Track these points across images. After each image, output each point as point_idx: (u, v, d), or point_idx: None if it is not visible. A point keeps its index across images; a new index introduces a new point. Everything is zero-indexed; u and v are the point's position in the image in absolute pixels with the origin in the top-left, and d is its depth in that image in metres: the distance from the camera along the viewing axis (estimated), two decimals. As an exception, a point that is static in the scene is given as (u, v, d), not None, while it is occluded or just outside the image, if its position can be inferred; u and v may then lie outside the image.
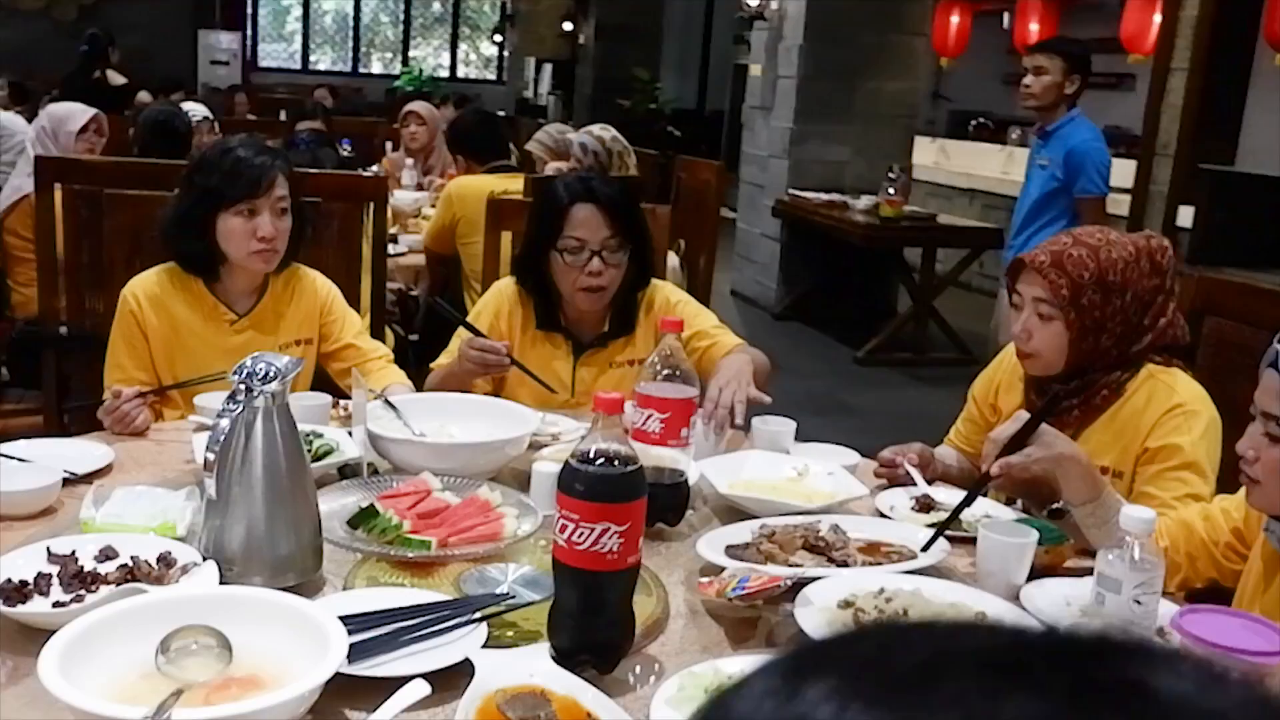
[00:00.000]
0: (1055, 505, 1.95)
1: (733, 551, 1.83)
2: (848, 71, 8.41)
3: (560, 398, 2.67)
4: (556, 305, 2.76)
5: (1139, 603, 1.60)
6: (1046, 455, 1.87)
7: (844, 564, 1.80)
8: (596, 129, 4.90)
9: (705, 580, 1.72)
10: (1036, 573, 1.84)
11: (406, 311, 4.82)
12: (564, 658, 1.50)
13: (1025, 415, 1.91)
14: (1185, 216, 7.14)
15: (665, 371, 2.08)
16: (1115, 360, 2.18)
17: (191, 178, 2.64)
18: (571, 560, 1.49)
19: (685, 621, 1.71)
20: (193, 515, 1.85)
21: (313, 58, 19.11)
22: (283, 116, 8.33)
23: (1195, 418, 2.13)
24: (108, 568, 1.67)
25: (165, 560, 1.68)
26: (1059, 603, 1.76)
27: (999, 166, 10.76)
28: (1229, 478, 2.00)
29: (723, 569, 1.75)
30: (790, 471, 2.20)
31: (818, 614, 1.64)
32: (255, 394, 1.66)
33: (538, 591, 1.70)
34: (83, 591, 1.61)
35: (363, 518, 1.85)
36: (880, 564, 1.81)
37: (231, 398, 1.67)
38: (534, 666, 1.47)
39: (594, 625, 1.53)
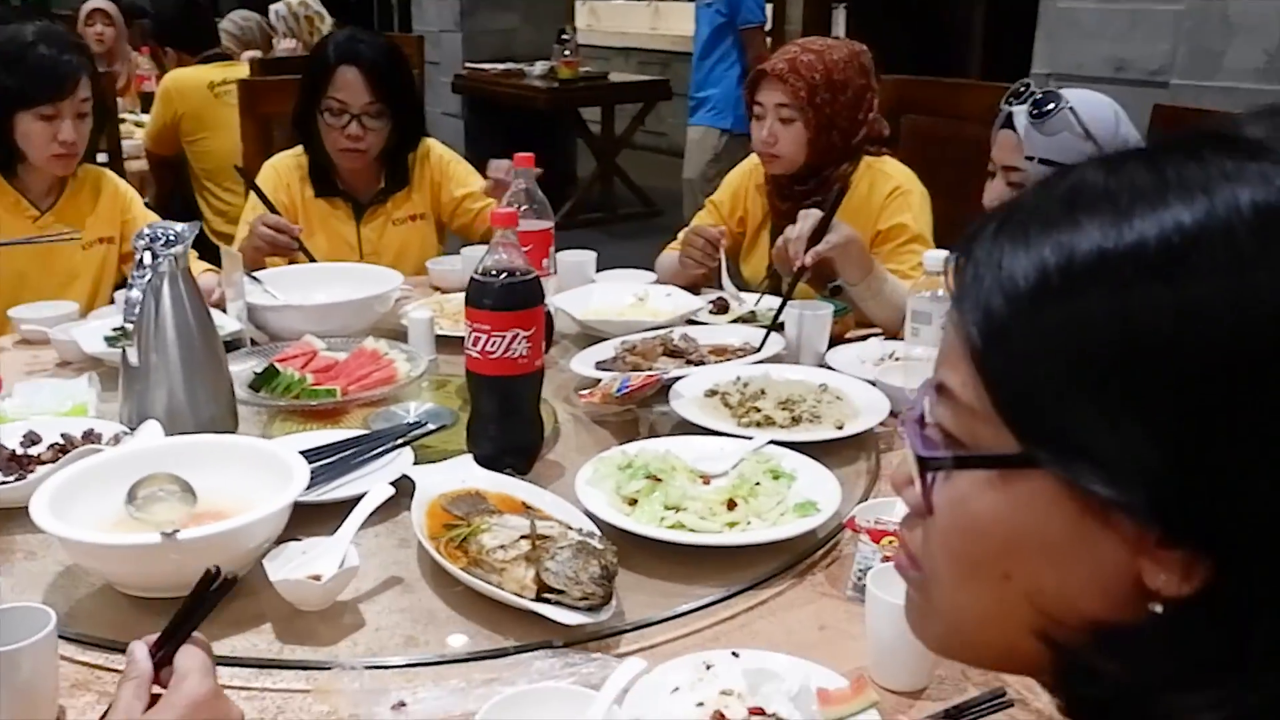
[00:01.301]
0: (834, 284, 2.32)
1: (602, 365, 2.09)
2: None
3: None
4: (330, 167, 2.89)
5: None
6: (841, 241, 2.20)
7: (701, 363, 2.08)
8: None
9: (585, 392, 1.96)
10: (830, 341, 2.23)
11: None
12: (488, 463, 1.72)
13: (816, 213, 2.22)
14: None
15: (523, 208, 2.29)
16: (841, 154, 2.55)
17: None
18: (488, 369, 1.70)
19: (574, 428, 1.96)
20: (98, 397, 1.97)
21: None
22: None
23: (910, 195, 2.56)
24: (39, 449, 1.78)
25: (91, 436, 1.81)
26: (855, 362, 2.15)
27: (647, 23, 11.17)
28: (940, 238, 2.53)
29: (598, 380, 2.00)
30: (631, 297, 2.48)
31: (690, 404, 1.93)
32: (160, 260, 1.77)
33: (440, 420, 1.91)
34: (21, 472, 1.71)
35: (264, 379, 2.02)
36: (731, 360, 2.11)
37: (139, 265, 1.77)
38: (464, 474, 1.68)
39: (513, 428, 1.76)
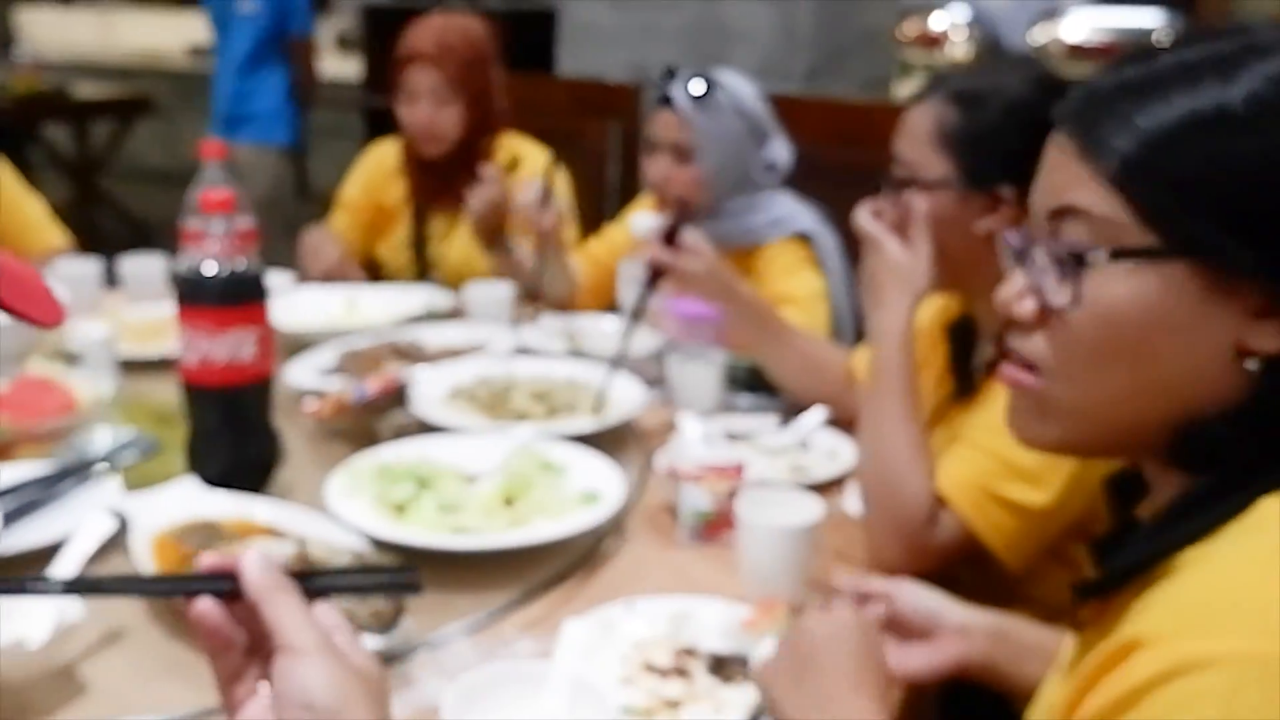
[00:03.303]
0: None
1: (328, 374, 1.90)
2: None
3: None
4: None
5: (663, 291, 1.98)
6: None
7: (437, 364, 1.94)
8: None
9: (313, 404, 1.77)
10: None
11: None
12: (219, 484, 1.51)
13: (535, 180, 2.33)
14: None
15: None
16: (487, 127, 2.65)
17: None
18: (209, 380, 1.50)
19: (305, 445, 1.76)
20: None
21: None
22: None
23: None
24: None
25: None
26: (542, 339, 2.13)
27: (98, 35, 9.96)
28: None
29: (324, 391, 1.81)
30: (339, 303, 2.32)
31: (435, 406, 1.79)
32: None
33: (143, 448, 1.67)
34: None
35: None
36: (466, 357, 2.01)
37: None
38: (190, 501, 1.47)
39: (246, 443, 1.55)
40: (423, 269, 2.71)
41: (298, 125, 5.04)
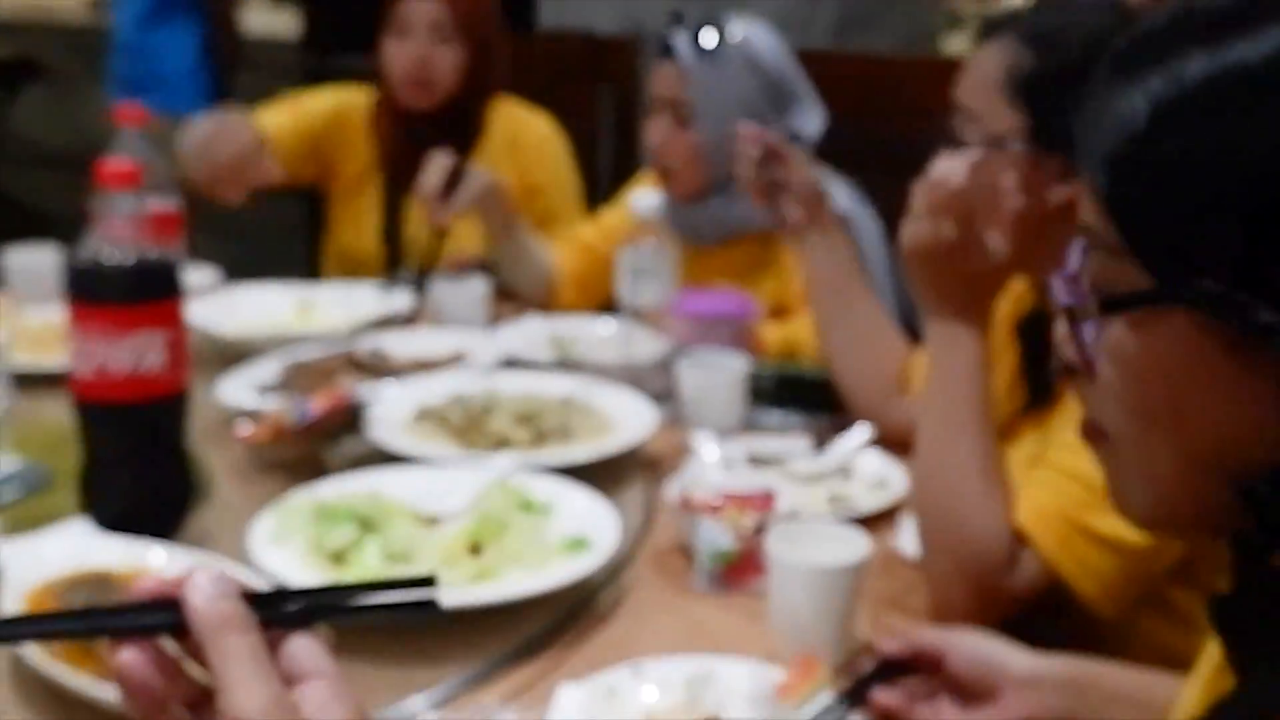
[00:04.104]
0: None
1: (268, 391, 1.64)
2: None
3: None
4: None
5: (669, 284, 1.79)
6: (480, 189, 2.02)
7: (402, 379, 1.70)
8: None
9: (246, 428, 1.52)
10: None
11: None
12: (119, 525, 1.27)
13: (445, 158, 2.02)
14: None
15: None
16: (488, 86, 2.37)
17: None
18: (108, 395, 1.26)
19: (234, 479, 1.51)
20: None
21: None
22: None
23: (558, 146, 2.48)
24: None
25: None
26: (528, 348, 1.91)
27: None
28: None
29: (261, 412, 1.56)
30: (291, 306, 2.05)
31: (396, 430, 1.54)
32: None
33: (30, 482, 1.44)
34: None
35: None
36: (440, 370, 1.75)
37: None
38: (78, 547, 1.24)
39: (152, 476, 1.31)
40: (394, 258, 2.35)
41: (216, 93, 4.20)
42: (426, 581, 0.64)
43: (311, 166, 2.37)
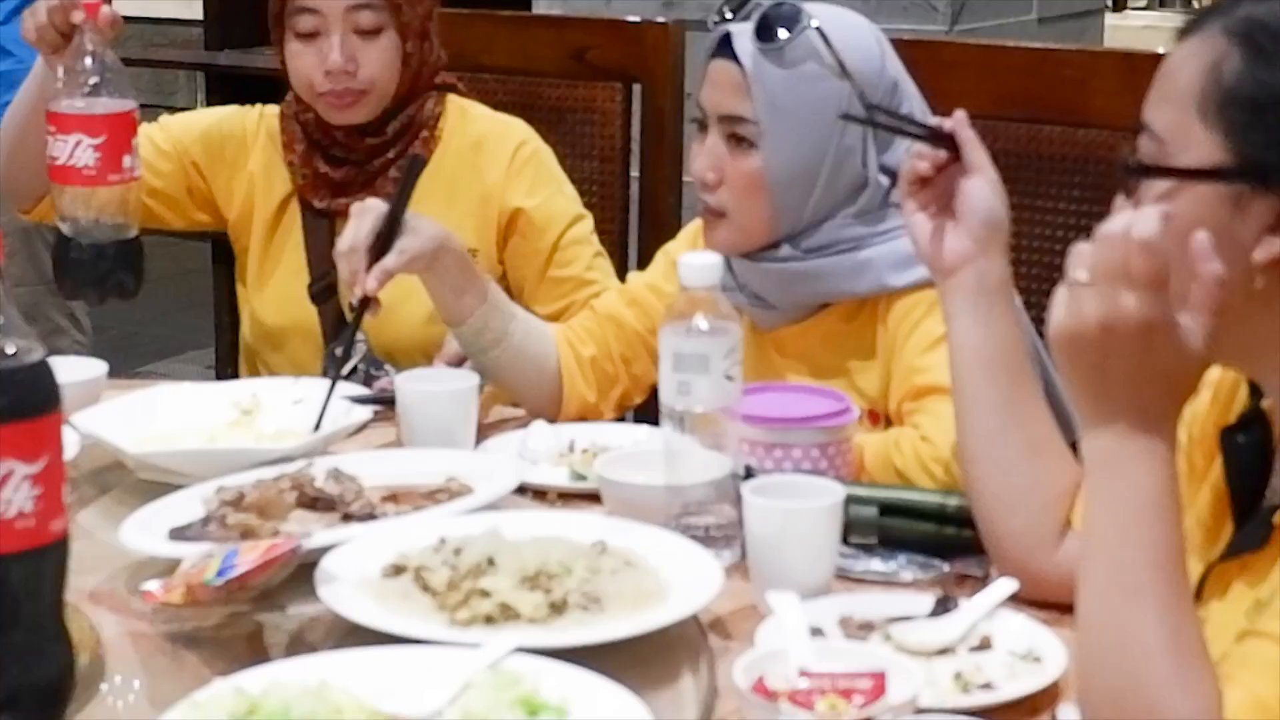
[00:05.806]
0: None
1: (183, 534, 1.37)
2: None
3: None
4: None
5: (730, 378, 1.41)
6: (423, 248, 1.62)
7: (369, 518, 1.41)
8: None
9: (152, 586, 1.26)
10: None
11: None
12: None
13: (377, 204, 1.64)
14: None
15: (92, 80, 1.70)
16: (426, 84, 2.04)
17: None
18: None
19: (134, 653, 1.26)
20: None
21: None
22: None
23: (545, 154, 2.13)
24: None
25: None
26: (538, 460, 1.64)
27: None
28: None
29: (179, 561, 1.29)
30: (229, 409, 1.73)
31: (358, 592, 1.26)
32: None
33: None
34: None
35: None
36: (423, 508, 1.45)
37: None
38: None
39: (13, 654, 1.09)
40: (330, 331, 1.92)
41: None
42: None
43: (194, 203, 2.00)
